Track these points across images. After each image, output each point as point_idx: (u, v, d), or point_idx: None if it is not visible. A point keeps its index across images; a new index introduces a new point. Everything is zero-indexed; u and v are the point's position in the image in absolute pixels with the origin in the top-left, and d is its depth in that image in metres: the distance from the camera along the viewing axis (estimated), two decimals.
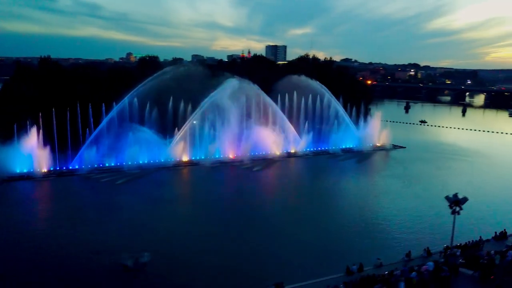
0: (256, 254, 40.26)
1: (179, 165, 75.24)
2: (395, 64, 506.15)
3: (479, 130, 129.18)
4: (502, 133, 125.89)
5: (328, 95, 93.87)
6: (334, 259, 38.20)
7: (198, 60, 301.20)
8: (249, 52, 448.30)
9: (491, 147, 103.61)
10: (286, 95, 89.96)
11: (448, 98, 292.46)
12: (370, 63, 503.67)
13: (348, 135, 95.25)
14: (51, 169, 68.35)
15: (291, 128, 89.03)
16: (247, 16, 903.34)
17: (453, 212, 29.98)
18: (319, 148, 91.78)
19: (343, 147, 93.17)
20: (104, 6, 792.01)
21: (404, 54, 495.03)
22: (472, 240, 37.63)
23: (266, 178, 71.73)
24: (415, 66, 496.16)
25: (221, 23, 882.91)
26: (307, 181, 71.83)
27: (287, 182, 69.70)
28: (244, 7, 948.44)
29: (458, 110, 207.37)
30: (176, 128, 77.50)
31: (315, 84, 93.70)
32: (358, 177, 72.71)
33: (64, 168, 69.52)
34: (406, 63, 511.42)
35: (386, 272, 28.87)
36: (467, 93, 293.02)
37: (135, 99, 74.35)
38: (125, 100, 73.52)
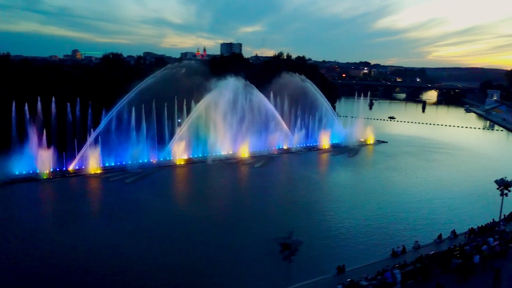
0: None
1: (180, 164, 75.90)
2: (348, 62, 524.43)
3: (445, 125, 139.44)
4: (467, 127, 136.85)
5: (318, 94, 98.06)
6: (379, 244, 41.88)
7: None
8: (204, 50, 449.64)
9: (464, 140, 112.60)
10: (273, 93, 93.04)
11: (403, 95, 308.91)
12: (324, 61, 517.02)
13: (334, 131, 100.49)
14: (56, 169, 67.13)
15: (283, 125, 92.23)
16: (196, 13, 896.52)
17: (502, 194, 34.41)
18: (310, 144, 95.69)
19: (331, 143, 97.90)
20: (43, 0, 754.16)
21: (354, 52, 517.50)
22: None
23: (278, 174, 74.41)
24: (367, 64, 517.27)
25: (170, 19, 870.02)
26: (321, 175, 75.53)
27: (305, 176, 72.15)
28: (193, 4, 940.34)
29: (415, 107, 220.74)
30: (178, 126, 78.54)
31: (308, 84, 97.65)
32: (359, 170, 76.74)
33: (65, 168, 68.21)
34: (358, 61, 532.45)
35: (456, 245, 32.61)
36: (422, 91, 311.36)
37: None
38: (125, 99, 73.09)
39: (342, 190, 63.61)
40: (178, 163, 75.63)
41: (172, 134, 79.11)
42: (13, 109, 66.50)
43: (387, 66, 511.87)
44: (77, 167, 68.96)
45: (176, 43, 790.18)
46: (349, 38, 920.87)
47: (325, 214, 51.64)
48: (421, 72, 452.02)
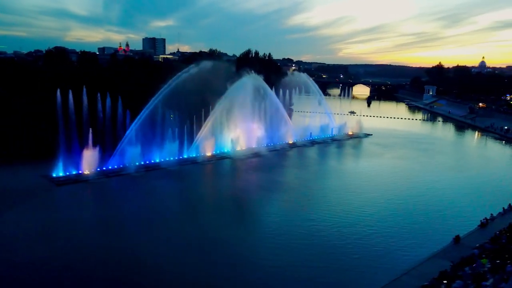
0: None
1: (210, 159, 78.73)
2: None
3: (402, 118, 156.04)
4: (417, 119, 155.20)
5: (315, 89, 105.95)
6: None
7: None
8: (127, 45, 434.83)
9: (432, 131, 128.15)
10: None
11: (337, 91, 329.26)
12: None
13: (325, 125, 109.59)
14: (97, 169, 66.44)
15: (289, 121, 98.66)
16: (103, 4, 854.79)
17: None
18: (310, 138, 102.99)
19: (324, 136, 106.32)
20: None
21: (269, 49, 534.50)
22: None
23: (299, 169, 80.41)
24: (290, 61, 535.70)
25: (74, 11, 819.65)
26: (344, 165, 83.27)
27: (338, 166, 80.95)
28: None
29: (359, 102, 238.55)
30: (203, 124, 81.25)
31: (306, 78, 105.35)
32: (371, 159, 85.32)
33: (105, 168, 67.72)
34: (274, 57, 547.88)
35: None
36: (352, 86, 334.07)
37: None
38: (157, 96, 73.79)
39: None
40: (208, 159, 78.62)
41: (191, 132, 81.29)
42: None
43: (311, 62, 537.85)
44: (115, 166, 68.82)
45: (82, 37, 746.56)
46: (263, 34, 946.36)
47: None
48: (344, 68, 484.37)
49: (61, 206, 54.18)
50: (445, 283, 35.05)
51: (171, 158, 74.58)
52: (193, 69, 78.99)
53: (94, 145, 66.23)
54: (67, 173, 64.00)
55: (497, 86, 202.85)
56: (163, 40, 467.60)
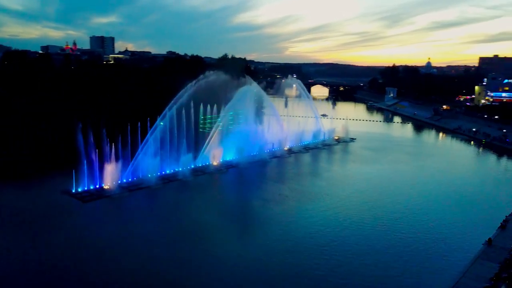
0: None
1: (220, 169, 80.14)
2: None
3: (372, 120, 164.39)
4: (391, 122, 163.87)
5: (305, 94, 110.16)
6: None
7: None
8: (74, 44, 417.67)
9: (407, 134, 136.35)
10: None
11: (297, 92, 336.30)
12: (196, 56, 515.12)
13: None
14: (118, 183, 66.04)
15: (284, 126, 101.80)
16: None
17: None
18: (302, 143, 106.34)
19: (315, 141, 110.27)
20: None
21: (216, 47, 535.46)
22: None
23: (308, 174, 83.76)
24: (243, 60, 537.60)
25: (7, 5, 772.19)
26: (351, 171, 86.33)
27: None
28: None
29: (323, 103, 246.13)
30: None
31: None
32: (372, 165, 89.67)
33: (125, 180, 67.38)
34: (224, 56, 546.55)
35: None
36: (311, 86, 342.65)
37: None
38: (170, 107, 74.13)
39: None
40: (217, 168, 79.96)
41: (197, 140, 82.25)
42: None
43: (264, 62, 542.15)
44: (133, 178, 68.62)
45: (17, 33, 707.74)
46: (209, 32, 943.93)
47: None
48: (298, 68, 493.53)
49: (101, 223, 53.89)
50: (507, 283, 39.88)
51: (184, 168, 75.13)
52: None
53: (109, 157, 65.75)
54: (86, 188, 63.16)
55: (449, 87, 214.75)
56: (112, 39, 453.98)
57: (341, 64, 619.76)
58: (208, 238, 49.46)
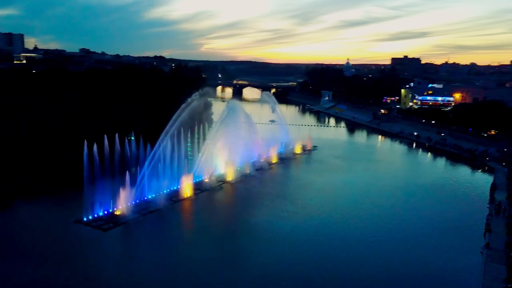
0: None
1: (214, 185, 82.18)
2: (141, 57, 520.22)
3: (319, 126, 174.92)
4: (335, 126, 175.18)
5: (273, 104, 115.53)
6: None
7: None
8: None
9: (359, 139, 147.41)
10: None
11: (228, 94, 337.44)
12: (103, 53, 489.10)
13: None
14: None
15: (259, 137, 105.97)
16: None
17: None
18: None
19: (285, 151, 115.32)
20: None
21: (130, 43, 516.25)
22: None
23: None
24: (161, 58, 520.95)
25: None
26: (338, 180, 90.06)
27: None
28: None
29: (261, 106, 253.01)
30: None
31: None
32: (349, 173, 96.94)
33: (134, 203, 67.06)
34: (136, 53, 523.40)
35: None
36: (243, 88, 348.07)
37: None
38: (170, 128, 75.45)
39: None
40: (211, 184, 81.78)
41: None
42: None
43: (188, 60, 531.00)
44: (141, 200, 68.83)
45: None
46: (122, 28, 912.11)
47: None
48: (222, 68, 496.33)
49: (142, 252, 54.33)
50: None
51: (181, 186, 76.18)
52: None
53: (109, 177, 65.90)
54: (96, 215, 62.29)
55: (374, 89, 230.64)
56: (21, 36, 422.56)
57: (261, 62, 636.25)
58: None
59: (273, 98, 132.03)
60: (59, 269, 47.69)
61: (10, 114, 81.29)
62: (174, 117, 76.88)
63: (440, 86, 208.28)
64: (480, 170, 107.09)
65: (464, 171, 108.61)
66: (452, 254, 56.73)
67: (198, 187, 79.21)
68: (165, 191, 73.24)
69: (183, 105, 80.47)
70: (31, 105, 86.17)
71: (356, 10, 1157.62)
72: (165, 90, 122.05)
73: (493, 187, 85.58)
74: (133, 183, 66.89)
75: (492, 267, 53.65)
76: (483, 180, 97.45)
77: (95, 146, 68.51)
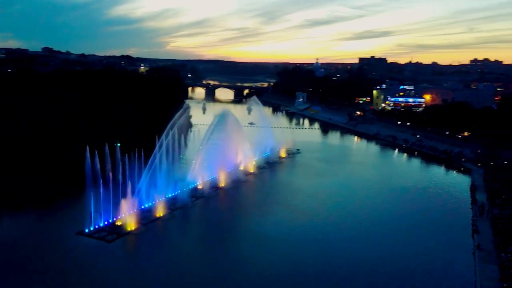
0: None
1: (212, 191, 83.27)
2: (108, 56, 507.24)
3: (296, 128, 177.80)
4: (313, 128, 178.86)
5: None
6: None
7: None
8: None
9: (338, 141, 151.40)
10: None
11: (201, 95, 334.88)
12: (68, 53, 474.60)
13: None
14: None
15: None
16: None
17: None
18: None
19: (271, 155, 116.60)
20: None
21: (93, 41, 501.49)
22: None
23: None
24: (129, 58, 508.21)
25: None
26: (335, 183, 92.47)
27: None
28: None
29: (238, 107, 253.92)
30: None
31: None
32: (337, 176, 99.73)
33: (133, 212, 66.88)
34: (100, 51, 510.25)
35: None
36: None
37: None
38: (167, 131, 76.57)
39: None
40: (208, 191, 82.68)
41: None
42: None
43: (157, 59, 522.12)
44: (140, 208, 68.71)
45: None
46: (84, 26, 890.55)
47: None
48: (192, 67, 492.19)
49: (151, 264, 54.32)
50: None
51: (176, 193, 76.94)
52: None
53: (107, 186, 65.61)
54: (97, 226, 62.13)
55: (345, 90, 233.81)
56: None
57: (229, 61, 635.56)
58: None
59: (260, 103, 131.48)
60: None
61: (9, 114, 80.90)
62: (163, 136, 77.20)
63: (411, 88, 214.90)
64: (456, 171, 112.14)
65: (442, 172, 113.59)
66: (444, 255, 60.01)
67: (193, 194, 79.86)
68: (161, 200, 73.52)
69: (171, 123, 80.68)
70: (29, 105, 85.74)
71: (321, 10, 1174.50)
72: (145, 92, 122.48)
73: (473, 188, 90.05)
74: (125, 192, 66.59)
75: (485, 267, 57.23)
76: (461, 180, 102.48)
77: (95, 152, 69.25)
